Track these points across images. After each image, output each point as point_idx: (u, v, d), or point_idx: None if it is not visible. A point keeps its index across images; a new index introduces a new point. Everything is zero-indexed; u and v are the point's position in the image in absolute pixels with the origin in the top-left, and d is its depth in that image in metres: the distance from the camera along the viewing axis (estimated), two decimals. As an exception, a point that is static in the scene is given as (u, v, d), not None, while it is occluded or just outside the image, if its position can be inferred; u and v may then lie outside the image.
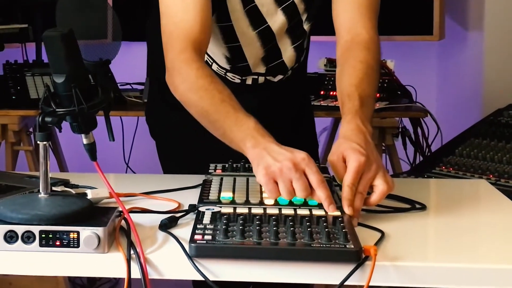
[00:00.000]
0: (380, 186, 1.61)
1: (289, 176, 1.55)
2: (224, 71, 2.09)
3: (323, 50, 3.48)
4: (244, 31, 2.01)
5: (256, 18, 2.00)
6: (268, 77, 2.10)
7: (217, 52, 2.04)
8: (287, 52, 2.09)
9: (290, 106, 2.19)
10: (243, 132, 1.67)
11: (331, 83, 3.54)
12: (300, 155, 1.58)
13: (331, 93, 3.46)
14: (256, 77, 2.09)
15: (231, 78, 2.11)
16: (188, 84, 1.80)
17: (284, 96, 2.17)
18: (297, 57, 2.12)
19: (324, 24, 2.06)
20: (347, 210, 1.55)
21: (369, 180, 1.60)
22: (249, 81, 2.10)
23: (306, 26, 2.08)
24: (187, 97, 1.81)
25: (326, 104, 3.39)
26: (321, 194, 1.55)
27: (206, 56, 1.99)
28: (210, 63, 2.06)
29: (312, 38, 2.19)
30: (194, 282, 2.27)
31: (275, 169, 1.56)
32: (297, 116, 2.22)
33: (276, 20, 2.01)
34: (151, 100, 2.34)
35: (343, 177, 1.60)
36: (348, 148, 1.62)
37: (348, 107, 1.76)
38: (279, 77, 2.12)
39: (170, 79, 1.86)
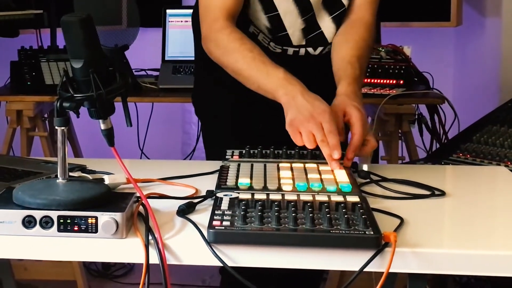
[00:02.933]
0: (371, 141, 1.88)
1: (309, 127, 1.79)
2: (268, 40, 2.16)
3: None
4: (282, 0, 2.08)
5: None
6: (308, 49, 2.15)
7: (258, 23, 2.12)
8: (326, 23, 2.13)
9: (329, 80, 2.19)
10: (274, 83, 1.90)
11: (368, 70, 3.46)
12: (320, 107, 1.81)
13: (370, 80, 3.39)
14: (297, 49, 2.14)
15: (272, 48, 2.18)
16: (222, 49, 2.01)
17: (323, 70, 2.18)
18: (336, 29, 2.15)
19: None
20: (350, 154, 1.82)
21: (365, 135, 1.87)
22: (290, 51, 2.16)
23: None
24: (222, 60, 2.03)
25: (364, 92, 3.28)
26: (330, 140, 1.77)
27: (252, 27, 2.13)
28: (257, 33, 2.14)
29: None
30: (220, 270, 2.28)
31: (297, 122, 1.81)
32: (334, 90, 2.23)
33: None
34: (198, 79, 2.39)
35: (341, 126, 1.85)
36: (351, 105, 1.88)
37: (349, 72, 1.99)
38: (320, 49, 2.15)
39: (206, 46, 2.07)
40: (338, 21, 2.16)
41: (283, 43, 2.13)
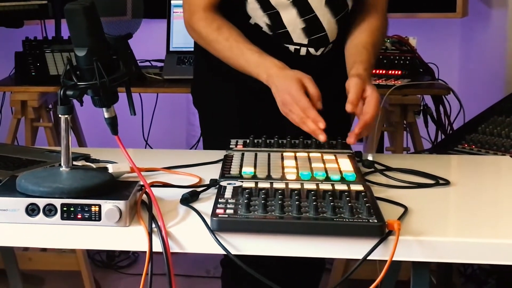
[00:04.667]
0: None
1: (292, 110, 1.88)
2: (270, 35, 2.17)
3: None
4: (278, 0, 2.08)
5: None
6: (310, 49, 2.14)
7: (259, 20, 2.13)
8: (331, 25, 2.13)
9: (330, 79, 2.19)
10: (253, 66, 2.01)
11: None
12: (293, 85, 1.89)
13: (375, 71, 3.37)
14: (298, 47, 2.14)
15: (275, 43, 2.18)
16: (203, 40, 2.12)
17: (325, 69, 2.19)
18: (340, 29, 2.16)
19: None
20: (358, 130, 1.85)
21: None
22: (291, 49, 2.15)
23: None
24: (206, 48, 2.13)
25: None
26: (310, 115, 1.85)
27: (253, 20, 2.14)
28: (260, 28, 2.15)
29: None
30: (222, 262, 2.29)
31: (284, 105, 1.91)
32: (336, 90, 2.22)
33: None
34: (197, 69, 2.40)
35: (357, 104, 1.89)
36: (371, 85, 1.94)
37: (365, 57, 2.05)
38: (321, 50, 2.16)
39: (189, 33, 2.18)
40: (342, 22, 2.15)
41: (284, 40, 2.13)
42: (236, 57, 2.05)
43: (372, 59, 2.07)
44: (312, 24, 2.11)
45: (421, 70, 3.44)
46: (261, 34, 2.13)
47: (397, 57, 3.36)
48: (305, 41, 2.14)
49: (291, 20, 2.10)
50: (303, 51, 2.14)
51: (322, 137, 1.84)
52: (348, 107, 1.88)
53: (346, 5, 2.14)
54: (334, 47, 2.18)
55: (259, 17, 2.12)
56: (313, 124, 1.84)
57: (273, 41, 2.14)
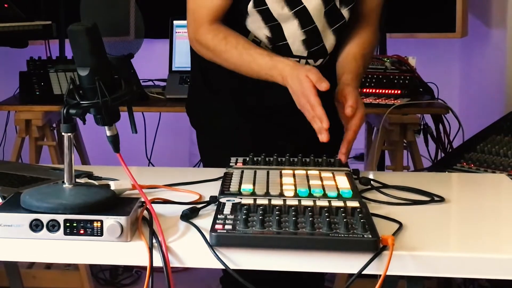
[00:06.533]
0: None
1: (305, 108, 1.94)
2: (269, 48, 2.20)
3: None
4: (280, 12, 2.12)
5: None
6: (309, 60, 2.20)
7: (259, 33, 2.16)
8: (328, 36, 2.18)
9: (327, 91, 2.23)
10: (266, 70, 2.04)
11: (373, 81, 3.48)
12: (305, 83, 1.93)
13: (374, 90, 3.41)
14: (297, 60, 2.18)
15: None
16: (211, 51, 2.14)
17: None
18: (337, 41, 2.21)
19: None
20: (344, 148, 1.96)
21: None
22: None
23: (343, 11, 2.17)
24: (215, 61, 2.15)
25: (369, 102, 3.28)
26: (316, 113, 1.90)
27: (252, 36, 2.18)
28: (258, 42, 2.19)
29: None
30: (221, 279, 2.31)
31: (299, 107, 1.97)
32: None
33: (311, 1, 2.12)
34: (194, 88, 2.42)
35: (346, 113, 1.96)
36: (360, 100, 2.00)
37: (354, 67, 2.13)
38: (320, 61, 2.21)
39: (194, 48, 2.20)
40: (339, 33, 2.20)
41: (283, 52, 2.16)
42: (247, 63, 2.08)
43: (361, 70, 2.15)
44: (311, 36, 2.16)
45: (421, 89, 3.48)
46: None
47: (397, 77, 3.40)
48: (305, 54, 2.18)
49: (292, 32, 2.14)
50: (302, 62, 2.18)
51: (322, 137, 1.89)
52: (348, 111, 1.95)
53: (342, 16, 2.18)
54: (331, 57, 2.22)
55: (259, 30, 2.15)
56: (319, 122, 1.90)
57: None
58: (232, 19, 2.16)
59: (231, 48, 2.09)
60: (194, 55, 2.28)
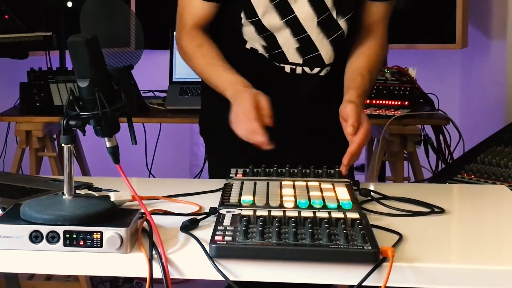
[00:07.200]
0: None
1: (242, 128, 1.96)
2: (267, 56, 2.22)
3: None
4: (271, 22, 2.13)
5: (283, 9, 2.12)
6: (305, 68, 2.20)
7: (255, 43, 2.19)
8: (324, 46, 2.18)
9: (328, 101, 2.22)
10: (223, 85, 2.08)
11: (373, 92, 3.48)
12: (245, 110, 1.94)
13: (375, 101, 3.41)
14: (294, 66, 2.19)
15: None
16: (185, 55, 2.22)
17: (324, 91, 2.24)
18: (335, 52, 2.20)
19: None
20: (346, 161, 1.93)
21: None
22: (287, 69, 2.21)
23: (341, 22, 2.16)
24: (188, 64, 2.23)
25: (370, 113, 3.32)
26: (254, 139, 1.92)
27: (249, 44, 2.21)
28: (256, 50, 2.21)
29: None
30: None
31: (233, 119, 1.99)
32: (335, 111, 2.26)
33: (302, 10, 2.12)
34: (204, 98, 2.46)
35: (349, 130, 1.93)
36: (364, 116, 1.97)
37: (360, 83, 2.10)
38: (316, 69, 2.20)
39: (178, 51, 2.28)
40: (337, 44, 2.19)
41: (279, 60, 2.18)
42: (209, 72, 2.14)
43: (367, 85, 2.12)
44: (305, 44, 2.16)
45: (421, 100, 3.48)
46: (257, 57, 2.19)
47: (397, 88, 3.40)
48: (300, 61, 2.19)
49: (286, 40, 2.16)
50: (298, 70, 2.20)
51: (267, 146, 1.90)
52: (349, 130, 1.93)
53: (339, 28, 2.17)
54: (333, 69, 2.21)
55: (255, 39, 2.18)
56: (255, 136, 1.91)
57: (269, 63, 2.20)
58: (232, 30, 2.18)
59: (201, 55, 2.16)
60: None
